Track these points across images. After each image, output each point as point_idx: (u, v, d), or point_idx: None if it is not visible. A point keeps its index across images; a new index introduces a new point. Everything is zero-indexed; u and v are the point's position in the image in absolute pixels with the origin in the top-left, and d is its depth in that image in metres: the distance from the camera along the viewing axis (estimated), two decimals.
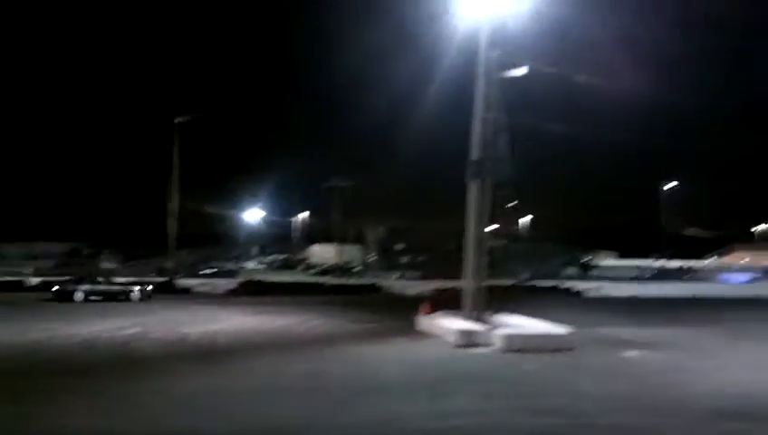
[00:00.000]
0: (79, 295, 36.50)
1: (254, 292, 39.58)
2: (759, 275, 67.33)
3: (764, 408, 13.21)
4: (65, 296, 36.23)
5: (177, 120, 50.12)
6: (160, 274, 52.31)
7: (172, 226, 50.62)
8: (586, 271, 77.55)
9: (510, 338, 20.59)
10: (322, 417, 12.08)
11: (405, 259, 72.75)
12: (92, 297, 36.54)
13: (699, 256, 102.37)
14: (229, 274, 59.46)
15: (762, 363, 18.47)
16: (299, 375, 16.17)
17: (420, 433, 11.21)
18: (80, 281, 38.44)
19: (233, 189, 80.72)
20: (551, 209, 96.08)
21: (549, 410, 12.71)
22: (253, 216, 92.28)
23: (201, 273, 58.40)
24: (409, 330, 24.73)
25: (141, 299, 37.03)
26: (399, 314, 29.11)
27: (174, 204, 50.35)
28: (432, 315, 25.43)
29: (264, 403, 13.10)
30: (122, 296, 37.12)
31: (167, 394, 13.86)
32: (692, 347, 21.62)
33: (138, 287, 38.32)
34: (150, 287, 39.48)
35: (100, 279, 40.26)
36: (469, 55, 24.74)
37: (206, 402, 13.11)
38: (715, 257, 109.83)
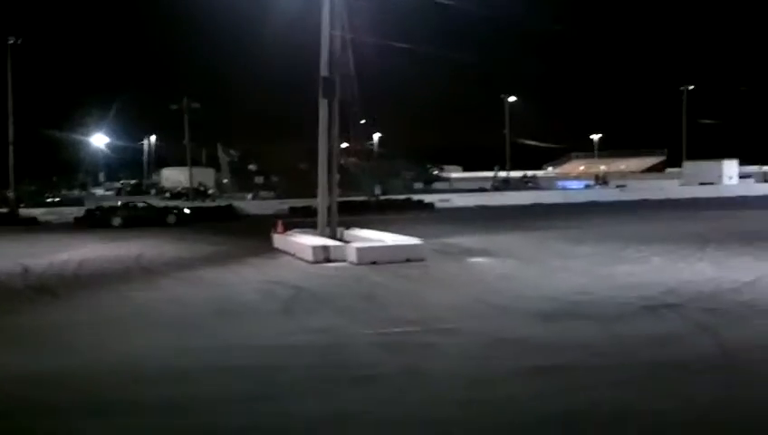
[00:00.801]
0: None
1: (102, 219, 38.12)
2: (592, 182, 71.72)
3: (592, 308, 14.38)
4: None
5: (9, 40, 46.63)
6: (2, 204, 49.38)
7: (10, 154, 47.74)
8: (431, 183, 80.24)
9: (362, 251, 21.19)
10: (173, 343, 12.06)
11: (259, 180, 72.06)
12: None
13: (539, 166, 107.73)
14: (76, 202, 56.87)
15: (590, 268, 19.84)
16: (150, 303, 16.04)
17: (271, 350, 11.45)
18: None
19: (76, 115, 76.37)
20: (400, 126, 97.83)
21: (398, 318, 13.33)
22: (98, 141, 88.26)
23: (47, 202, 55.47)
24: (265, 250, 24.90)
25: None
26: (255, 234, 29.23)
27: (10, 131, 47.32)
28: (287, 234, 25.72)
29: (112, 334, 12.96)
30: None
31: (8, 330, 13.47)
32: (532, 253, 23.06)
33: None
34: None
35: None
36: None
37: (52, 336, 12.86)
38: (553, 167, 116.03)
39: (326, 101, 24.80)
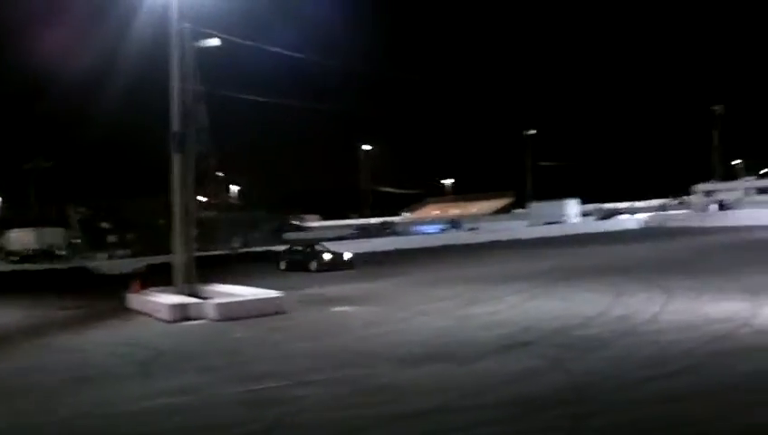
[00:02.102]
0: None
1: None
2: (447, 226, 73.91)
3: (452, 350, 14.79)
4: None
5: None
6: None
7: None
8: (281, 233, 79.75)
9: (222, 307, 20.85)
10: (23, 418, 11.32)
11: (113, 238, 69.37)
12: None
13: (395, 212, 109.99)
14: None
15: (450, 310, 20.43)
16: None
17: (129, 416, 11.00)
18: None
19: None
20: (257, 177, 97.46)
21: (262, 374, 13.16)
22: None
23: None
24: (121, 310, 24.00)
25: None
26: (110, 295, 28.06)
27: None
28: (143, 293, 24.90)
29: None
30: None
31: None
32: (393, 299, 23.48)
33: None
34: None
35: None
36: (163, 28, 24.30)
37: None
38: (409, 212, 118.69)
39: (179, 155, 24.43)
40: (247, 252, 48.37)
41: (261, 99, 30.80)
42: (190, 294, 23.74)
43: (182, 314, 21.12)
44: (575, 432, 9.07)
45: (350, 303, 22.76)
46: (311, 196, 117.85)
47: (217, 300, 21.72)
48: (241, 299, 22.20)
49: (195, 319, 20.82)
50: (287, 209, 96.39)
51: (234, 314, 20.55)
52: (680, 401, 10.02)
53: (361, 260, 39.19)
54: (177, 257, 24.85)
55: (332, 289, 26.64)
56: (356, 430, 9.59)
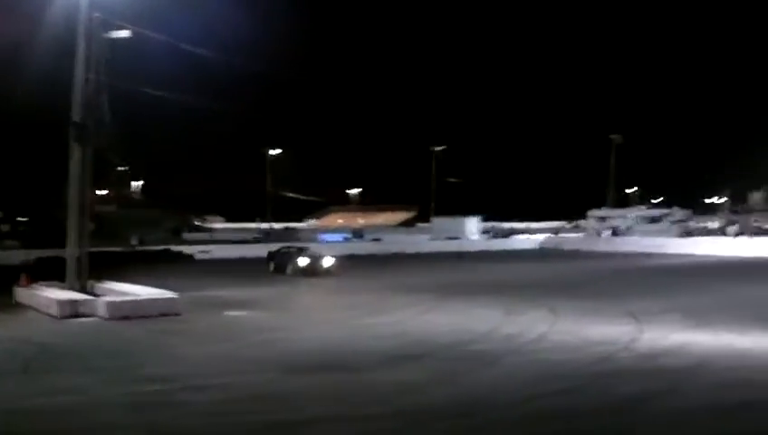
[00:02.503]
0: None
1: None
2: (350, 236, 74.23)
3: (345, 359, 14.88)
4: None
5: None
6: None
7: None
8: (179, 234, 78.03)
9: (113, 306, 20.35)
10: None
11: (5, 227, 66.47)
12: None
13: (300, 219, 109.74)
14: None
15: (347, 319, 20.59)
16: None
17: (8, 415, 10.64)
18: None
19: None
20: (163, 174, 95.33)
21: (148, 377, 12.96)
22: None
23: None
24: (7, 304, 23.09)
25: None
26: None
27: None
28: (32, 287, 24.03)
29: None
30: None
31: None
32: (290, 305, 23.47)
33: None
34: None
35: None
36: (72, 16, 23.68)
37: None
38: (314, 219, 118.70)
39: (77, 145, 23.75)
40: (146, 250, 47.19)
41: (166, 95, 30.19)
42: (82, 291, 23.06)
43: (72, 310, 20.50)
44: None
45: (246, 307, 22.60)
46: (214, 196, 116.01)
47: (109, 298, 21.19)
48: (134, 298, 21.70)
49: (85, 316, 20.24)
50: (189, 209, 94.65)
51: (125, 313, 20.09)
52: (563, 420, 10.42)
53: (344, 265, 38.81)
54: (70, 251, 24.09)
55: (229, 292, 26.38)
56: None
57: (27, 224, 64.28)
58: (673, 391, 11.96)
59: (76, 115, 23.73)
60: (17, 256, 42.88)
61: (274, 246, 41.57)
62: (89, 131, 23.75)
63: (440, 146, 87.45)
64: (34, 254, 41.62)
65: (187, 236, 74.08)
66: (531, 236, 69.98)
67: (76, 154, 23.82)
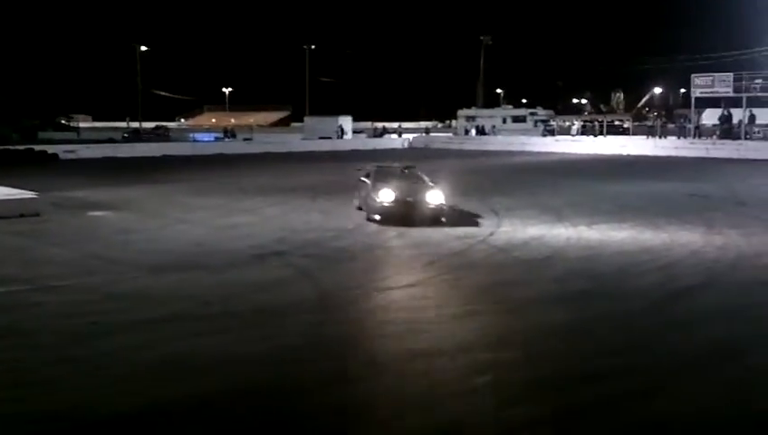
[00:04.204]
0: None
1: None
2: (222, 135, 72.84)
3: (205, 259, 14.98)
4: None
5: None
6: None
7: None
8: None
9: None
10: None
11: None
12: None
13: (173, 118, 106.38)
14: None
15: (209, 219, 20.47)
16: None
17: None
18: None
19: None
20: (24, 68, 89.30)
21: (1, 278, 12.66)
22: None
23: None
24: None
25: None
26: None
27: None
28: None
29: None
30: None
31: None
32: (153, 206, 23.07)
33: None
34: None
35: None
36: None
37: None
38: (185, 119, 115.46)
39: None
40: (6, 150, 44.30)
41: None
42: None
43: None
44: (308, 337, 9.73)
45: (108, 208, 22.09)
46: (80, 93, 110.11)
47: None
48: None
49: None
50: (55, 107, 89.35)
51: None
52: (409, 311, 10.99)
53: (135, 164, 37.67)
54: None
55: (93, 193, 25.62)
56: (90, 336, 9.58)
57: None
58: (524, 283, 12.79)
59: None
60: None
61: (366, 167, 22.87)
62: None
63: (313, 45, 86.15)
64: None
65: (51, 135, 70.09)
66: (402, 136, 70.69)
67: None
